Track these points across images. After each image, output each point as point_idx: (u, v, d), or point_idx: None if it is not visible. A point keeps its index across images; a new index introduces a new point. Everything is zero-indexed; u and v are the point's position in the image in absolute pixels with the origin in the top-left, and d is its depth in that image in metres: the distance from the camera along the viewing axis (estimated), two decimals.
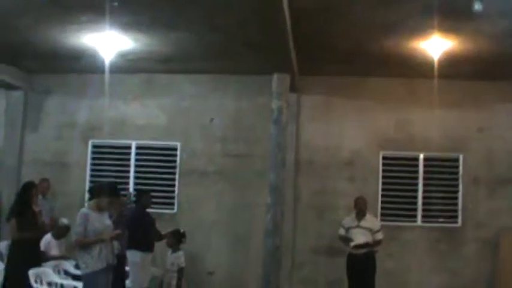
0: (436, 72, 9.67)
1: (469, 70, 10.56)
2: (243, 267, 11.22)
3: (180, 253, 9.82)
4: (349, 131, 11.53)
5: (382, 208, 11.21)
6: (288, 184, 10.75)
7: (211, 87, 11.66)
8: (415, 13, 8.02)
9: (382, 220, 10.79)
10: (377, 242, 9.63)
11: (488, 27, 8.38)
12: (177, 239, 9.84)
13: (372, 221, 9.85)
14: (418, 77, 10.94)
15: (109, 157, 11.84)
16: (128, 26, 8.80)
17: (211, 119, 11.60)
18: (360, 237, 9.57)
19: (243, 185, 11.36)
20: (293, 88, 10.68)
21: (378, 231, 9.68)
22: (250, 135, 11.45)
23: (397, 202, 11.35)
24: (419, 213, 11.32)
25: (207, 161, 11.55)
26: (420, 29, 8.62)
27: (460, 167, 11.42)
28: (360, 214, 9.74)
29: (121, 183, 10.90)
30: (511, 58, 9.73)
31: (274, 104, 10.11)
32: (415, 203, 11.35)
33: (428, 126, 11.36)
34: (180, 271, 9.71)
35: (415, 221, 11.31)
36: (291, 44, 8.91)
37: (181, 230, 10.02)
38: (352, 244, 9.54)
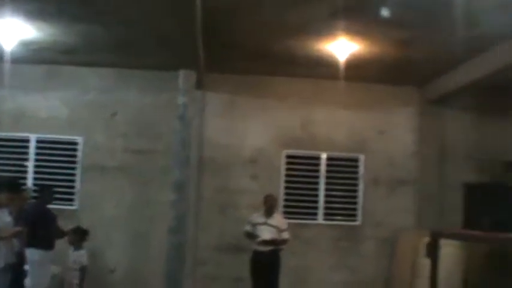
0: (341, 74, 9.85)
1: (373, 73, 10.87)
2: (144, 265, 11.05)
3: (83, 251, 9.56)
4: (253, 129, 11.57)
5: (284, 206, 11.32)
6: (191, 181, 10.68)
7: (116, 81, 11.35)
8: (322, 15, 8.10)
9: (284, 218, 10.89)
10: (283, 241, 9.74)
11: (394, 33, 8.62)
12: (79, 236, 9.57)
13: (280, 219, 9.96)
14: (324, 78, 11.12)
15: (6, 150, 11.31)
16: (31, 14, 8.42)
17: (114, 113, 11.33)
18: (266, 234, 9.64)
19: (146, 182, 11.17)
20: (199, 85, 10.63)
21: (285, 230, 9.79)
22: (154, 131, 11.25)
23: (300, 200, 11.53)
24: (321, 211, 11.55)
25: (109, 156, 11.26)
26: (327, 31, 8.72)
27: (361, 167, 11.73)
28: (269, 212, 9.82)
29: (19, 178, 10.46)
30: (412, 64, 10.12)
31: (180, 101, 10.05)
32: (317, 202, 11.56)
33: (331, 126, 11.61)
34: (83, 269, 9.46)
35: (317, 219, 11.52)
36: (199, 41, 8.85)
37: (84, 227, 9.77)
38: (259, 239, 9.60)
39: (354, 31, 8.66)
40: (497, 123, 11.60)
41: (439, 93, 11.24)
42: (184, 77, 10.00)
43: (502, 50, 8.93)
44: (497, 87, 10.47)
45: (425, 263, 7.03)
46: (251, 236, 9.76)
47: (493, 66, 9.29)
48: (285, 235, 9.77)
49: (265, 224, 9.71)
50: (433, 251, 6.38)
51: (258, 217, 9.83)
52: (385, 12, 7.45)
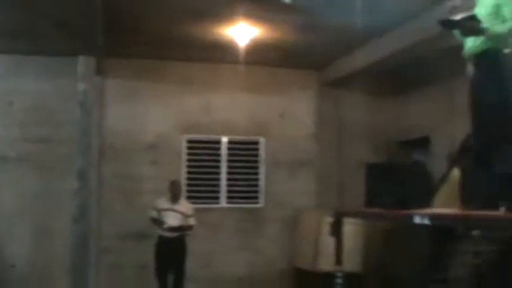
0: (241, 59, 9.99)
1: (273, 58, 11.04)
2: (47, 257, 10.75)
3: None
4: (154, 115, 11.46)
5: (187, 191, 11.29)
6: (92, 169, 10.51)
7: (12, 68, 10.92)
8: (223, 0, 8.19)
9: (189, 203, 10.97)
10: (190, 227, 9.79)
11: (293, 18, 8.81)
12: None
13: (186, 205, 9.98)
14: (225, 62, 11.20)
15: None
16: None
17: (10, 102, 10.95)
18: (172, 220, 9.65)
19: (47, 171, 10.85)
20: (99, 71, 10.46)
21: (191, 215, 9.83)
22: (53, 119, 10.92)
23: (202, 185, 11.58)
24: (224, 195, 11.67)
25: (7, 146, 10.87)
26: (228, 15, 8.79)
27: (261, 150, 11.92)
28: (174, 197, 9.81)
29: None
30: (311, 48, 10.37)
31: (80, 87, 9.88)
32: (219, 186, 11.67)
33: (232, 110, 11.71)
34: None
35: (219, 203, 11.64)
36: (99, 26, 8.71)
37: None
38: (165, 226, 9.59)
39: (254, 16, 8.77)
40: (390, 105, 12.12)
41: (336, 77, 11.57)
42: (83, 63, 9.83)
43: (394, 36, 9.32)
44: (390, 71, 10.91)
45: (329, 241, 7.26)
46: (157, 222, 9.73)
47: (385, 52, 9.69)
48: (191, 221, 9.82)
49: (171, 209, 9.72)
50: (336, 230, 6.61)
51: (163, 203, 9.81)
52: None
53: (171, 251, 9.67)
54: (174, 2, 8.33)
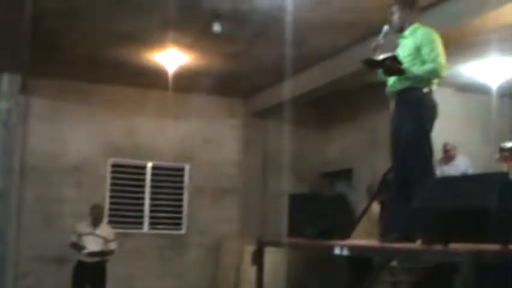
0: (170, 85, 10.00)
1: (201, 85, 11.12)
2: None
3: None
4: (79, 137, 11.31)
5: (109, 215, 11.18)
6: (13, 190, 10.24)
7: None
8: (154, 26, 8.23)
9: (111, 227, 10.84)
10: (110, 252, 9.61)
11: (223, 46, 8.93)
12: None
13: (107, 229, 9.79)
14: (153, 87, 11.23)
15: None
16: None
17: None
18: (92, 245, 9.44)
19: None
20: (24, 89, 10.25)
21: (112, 240, 9.66)
22: None
23: (125, 210, 11.47)
24: (147, 220, 11.59)
25: None
26: (157, 41, 8.85)
27: (186, 177, 11.92)
28: (95, 222, 9.62)
29: None
30: (239, 77, 10.51)
31: (3, 106, 9.64)
32: (142, 211, 11.59)
33: (158, 136, 11.70)
34: None
35: (142, 228, 11.54)
36: (26, 44, 8.56)
37: None
38: (86, 251, 9.37)
39: (184, 43, 8.86)
40: (315, 136, 12.35)
41: (263, 107, 11.76)
42: (7, 81, 9.60)
43: (321, 69, 9.58)
44: (316, 103, 11.16)
45: (250, 268, 7.32)
46: (77, 246, 9.50)
47: (312, 84, 9.92)
48: (112, 245, 9.64)
49: (91, 234, 9.52)
50: (258, 258, 6.66)
51: (83, 227, 9.60)
52: (217, 28, 7.70)
53: (89, 276, 9.45)
54: (103, 25, 8.34)
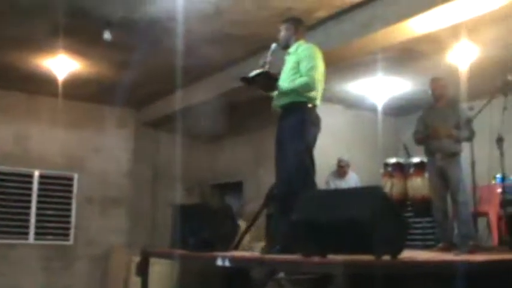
0: (59, 92, 9.77)
1: (91, 93, 10.94)
2: None
3: None
4: None
5: None
6: None
7: None
8: (43, 31, 8.05)
9: None
10: None
11: (114, 55, 8.83)
12: None
13: None
14: (41, 94, 10.95)
15: None
16: None
17: None
18: None
19: None
20: None
21: None
22: None
23: (10, 219, 11.04)
24: (32, 230, 11.20)
25: None
26: (47, 47, 8.64)
27: (75, 186, 11.66)
28: None
29: None
30: (131, 87, 10.40)
31: None
32: (28, 221, 11.20)
33: (46, 143, 11.36)
34: None
35: (28, 239, 11.15)
36: None
37: None
38: None
39: (75, 49, 8.71)
40: (206, 149, 12.40)
41: (155, 117, 11.70)
42: None
43: (213, 82, 9.66)
44: (208, 115, 11.19)
45: (137, 280, 7.24)
46: None
47: (204, 96, 9.98)
48: None
49: None
50: (143, 269, 6.61)
51: None
52: (107, 36, 7.62)
53: None
54: None
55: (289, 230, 4.88)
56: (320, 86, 5.41)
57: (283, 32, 5.66)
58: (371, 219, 4.04)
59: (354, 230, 4.10)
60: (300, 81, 5.28)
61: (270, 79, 5.35)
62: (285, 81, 5.41)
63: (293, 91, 5.30)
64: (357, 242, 4.14)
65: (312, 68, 5.30)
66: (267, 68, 5.48)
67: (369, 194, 4.30)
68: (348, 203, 4.29)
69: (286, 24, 5.68)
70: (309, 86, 5.28)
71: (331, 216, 4.30)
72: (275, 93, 5.49)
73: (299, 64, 5.36)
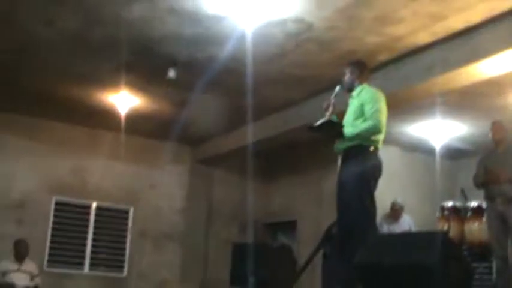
0: (119, 127, 10.02)
1: (150, 129, 11.18)
2: None
3: None
4: (23, 173, 11.01)
5: (49, 254, 10.96)
6: None
7: None
8: (108, 67, 8.27)
9: (49, 266, 10.76)
10: (37, 287, 9.41)
11: (174, 93, 9.02)
12: None
13: (31, 265, 9.55)
14: (102, 128, 11.24)
15: None
16: None
17: None
18: (21, 281, 9.23)
19: None
20: None
21: (37, 275, 9.49)
22: None
23: (66, 249, 11.25)
24: (87, 261, 11.37)
25: None
26: (110, 82, 8.86)
27: (130, 220, 11.83)
28: (21, 257, 9.41)
29: None
30: (188, 125, 10.61)
31: None
32: (84, 251, 11.38)
33: (104, 176, 11.58)
34: None
35: (83, 269, 11.32)
36: None
37: None
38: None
39: (137, 86, 8.91)
40: (261, 187, 12.43)
41: (210, 155, 11.81)
42: None
43: (270, 121, 9.74)
44: (264, 154, 11.29)
45: None
46: (5, 285, 9.19)
47: (261, 134, 10.03)
48: (38, 280, 9.47)
49: (18, 270, 9.31)
50: None
51: (8, 264, 9.33)
52: (172, 74, 7.78)
53: None
54: (57, 63, 8.31)
55: (351, 273, 4.88)
56: (383, 129, 5.45)
57: (347, 75, 5.72)
58: (436, 263, 4.03)
59: (419, 274, 4.09)
60: (366, 125, 5.32)
61: (334, 126, 5.42)
62: (348, 124, 5.47)
63: (358, 136, 5.35)
64: (421, 287, 4.13)
65: (377, 111, 5.34)
66: (330, 110, 5.56)
67: (434, 238, 4.28)
68: (412, 247, 4.28)
69: (351, 67, 5.73)
70: (375, 129, 5.32)
71: (395, 260, 4.29)
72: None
73: (362, 107, 5.41)
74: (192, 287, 7.20)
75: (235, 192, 12.19)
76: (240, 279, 6.06)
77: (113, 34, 7.13)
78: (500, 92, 7.93)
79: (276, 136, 9.78)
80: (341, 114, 5.68)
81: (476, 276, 8.51)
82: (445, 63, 6.69)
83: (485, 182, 7.14)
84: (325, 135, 5.54)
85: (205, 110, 9.77)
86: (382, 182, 6.02)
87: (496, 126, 7.29)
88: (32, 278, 9.37)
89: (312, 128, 5.53)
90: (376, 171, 5.43)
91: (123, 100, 9.48)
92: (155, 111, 10.03)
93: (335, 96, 5.63)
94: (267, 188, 12.42)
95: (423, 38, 6.72)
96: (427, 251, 4.11)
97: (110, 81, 8.84)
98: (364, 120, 5.36)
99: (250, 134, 10.10)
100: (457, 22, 6.30)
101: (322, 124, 5.42)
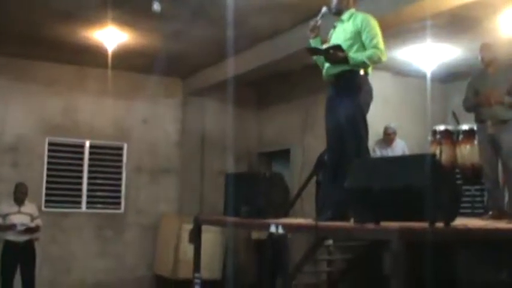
0: (108, 63, 9.92)
1: (139, 64, 11.05)
2: None
3: None
4: (14, 115, 11.00)
5: (46, 195, 11.06)
6: None
7: None
8: (92, 3, 8.14)
9: (46, 207, 10.88)
10: (38, 228, 9.49)
11: (162, 26, 8.89)
12: None
13: (32, 207, 9.62)
14: (91, 65, 11.14)
15: None
16: None
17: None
18: (22, 222, 9.33)
19: None
20: None
21: (37, 217, 9.57)
22: None
23: (63, 188, 11.33)
24: (84, 199, 11.48)
25: None
26: (97, 19, 8.73)
27: (124, 156, 11.88)
28: (20, 200, 9.47)
29: None
30: (178, 57, 10.50)
31: None
32: (80, 190, 11.48)
33: (96, 114, 11.57)
34: None
35: (80, 208, 11.44)
36: None
37: None
38: (19, 228, 9.20)
39: (123, 21, 8.79)
40: (253, 117, 12.45)
41: (201, 86, 11.74)
42: None
43: (260, 50, 9.66)
44: (254, 84, 11.24)
45: (189, 247, 7.39)
46: (5, 227, 9.25)
47: (250, 65, 9.98)
48: (38, 222, 9.55)
49: (18, 212, 9.38)
50: (196, 237, 6.75)
51: (8, 207, 9.39)
52: (156, 7, 7.66)
53: (20, 256, 9.26)
54: (41, 2, 8.16)
55: (342, 197, 4.93)
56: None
57: None
58: (426, 186, 4.06)
59: (408, 197, 4.13)
60: (370, 53, 5.25)
61: (342, 52, 5.26)
62: None
63: (360, 63, 5.27)
64: (410, 209, 4.18)
65: (379, 41, 5.31)
66: (315, 33, 5.51)
67: (423, 161, 4.30)
68: (402, 170, 4.31)
69: None
70: (379, 59, 5.29)
71: (385, 183, 4.32)
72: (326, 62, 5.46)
73: (359, 34, 5.33)
74: (190, 219, 7.26)
75: (229, 123, 12.17)
76: (233, 209, 6.12)
77: None
78: (490, 13, 7.83)
79: (266, 65, 9.72)
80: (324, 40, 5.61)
81: (468, 199, 8.62)
82: None
83: (475, 104, 7.09)
84: (329, 60, 5.39)
85: (194, 42, 9.67)
86: (374, 108, 6.03)
87: (485, 47, 7.19)
88: (33, 219, 9.46)
89: (313, 50, 5.42)
90: (367, 96, 5.43)
91: (111, 36, 9.35)
92: (143, 45, 9.91)
93: (321, 17, 5.54)
94: (260, 117, 12.42)
95: None
96: (415, 173, 4.14)
97: (96, 18, 8.70)
98: (362, 48, 5.30)
99: (241, 64, 10.04)
100: None
101: (329, 48, 5.30)
